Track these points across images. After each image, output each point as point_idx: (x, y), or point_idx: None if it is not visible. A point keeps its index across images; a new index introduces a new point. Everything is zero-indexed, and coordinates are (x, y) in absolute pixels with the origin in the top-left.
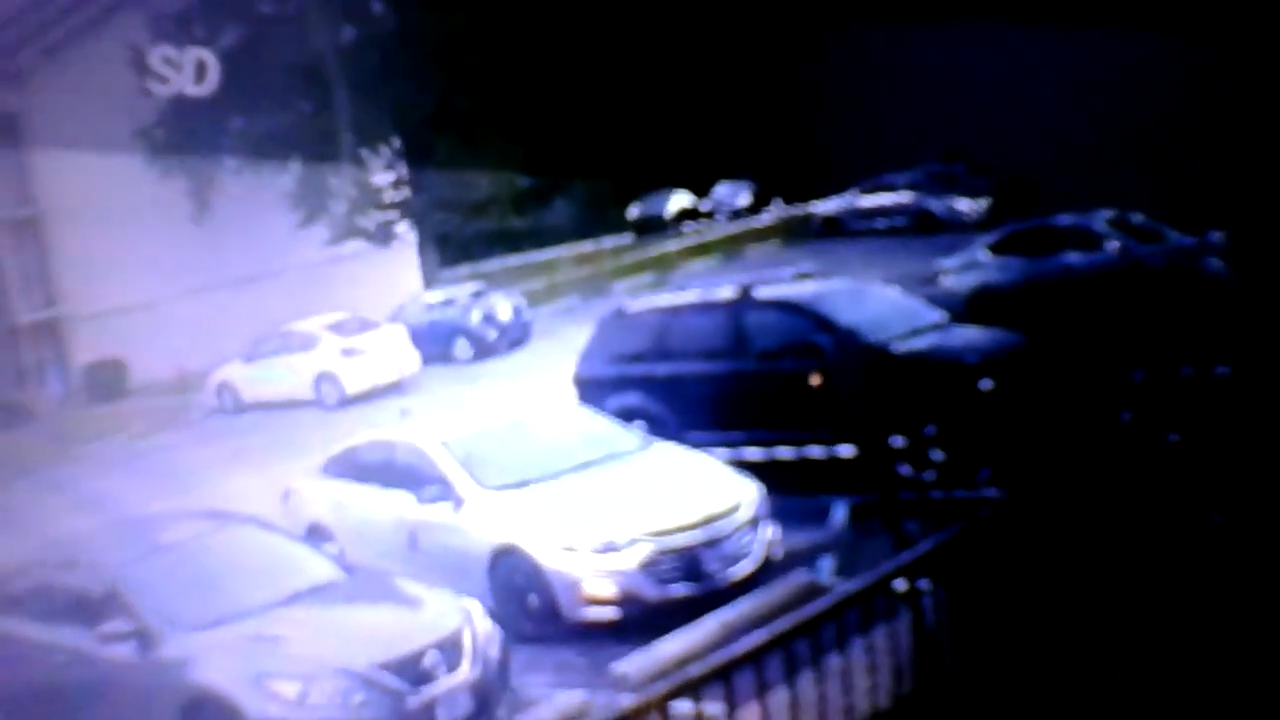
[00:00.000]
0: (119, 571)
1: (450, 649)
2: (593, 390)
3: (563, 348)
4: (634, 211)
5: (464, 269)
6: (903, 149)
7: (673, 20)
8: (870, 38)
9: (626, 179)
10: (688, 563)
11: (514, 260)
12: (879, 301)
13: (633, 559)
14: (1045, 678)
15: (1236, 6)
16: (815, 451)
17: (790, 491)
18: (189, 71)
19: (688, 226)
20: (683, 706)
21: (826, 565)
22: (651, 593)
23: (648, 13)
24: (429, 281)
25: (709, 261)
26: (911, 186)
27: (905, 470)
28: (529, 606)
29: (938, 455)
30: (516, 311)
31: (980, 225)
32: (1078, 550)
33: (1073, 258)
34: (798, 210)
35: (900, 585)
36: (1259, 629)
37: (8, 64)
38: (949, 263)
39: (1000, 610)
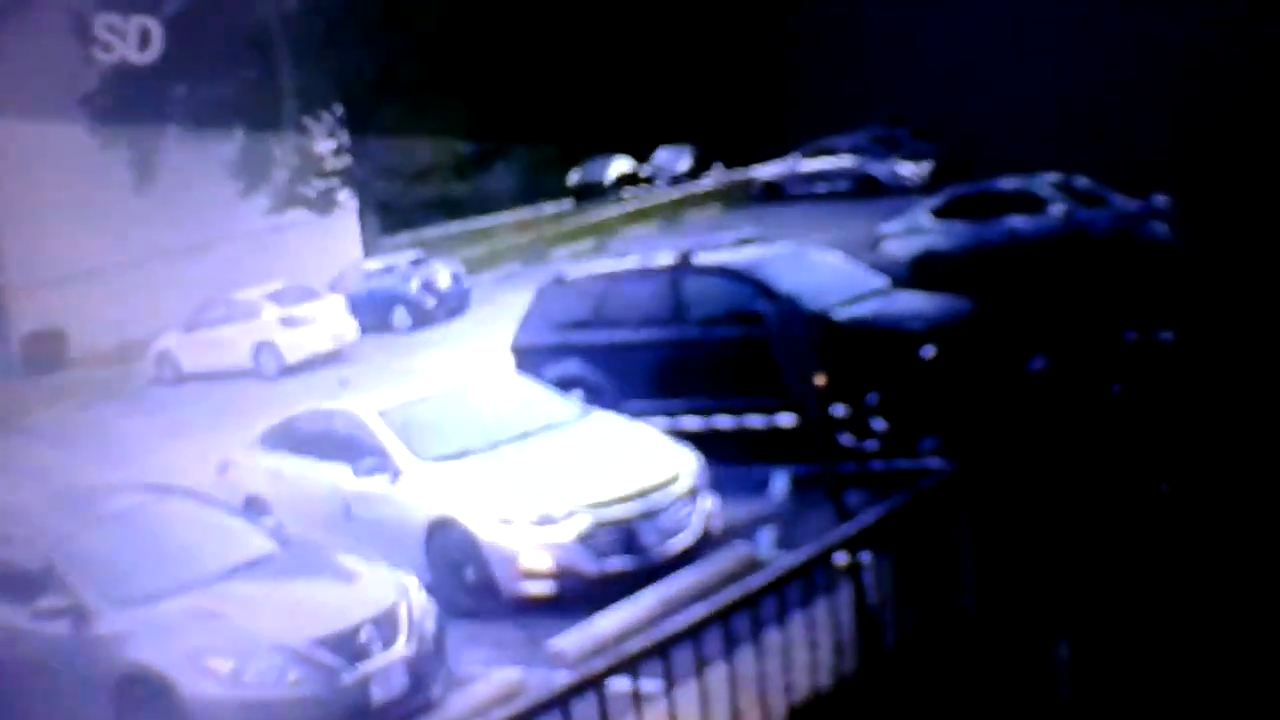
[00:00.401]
0: (54, 546)
1: (386, 625)
2: (531, 358)
3: (502, 315)
4: (574, 178)
5: (404, 236)
6: (845, 112)
7: None
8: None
9: (567, 144)
10: (625, 535)
11: (454, 227)
12: (820, 267)
13: (570, 531)
14: (989, 651)
15: None
16: (755, 421)
17: (730, 461)
18: (133, 39)
19: (628, 192)
20: (619, 684)
21: (766, 537)
22: (589, 566)
23: None
24: (369, 249)
25: (649, 227)
26: (854, 150)
27: (847, 440)
28: (466, 580)
29: (879, 424)
30: (455, 279)
31: (923, 189)
32: (1023, 520)
33: (1017, 222)
34: (739, 175)
35: (841, 558)
36: (1205, 599)
37: None
38: (891, 227)
39: (943, 583)
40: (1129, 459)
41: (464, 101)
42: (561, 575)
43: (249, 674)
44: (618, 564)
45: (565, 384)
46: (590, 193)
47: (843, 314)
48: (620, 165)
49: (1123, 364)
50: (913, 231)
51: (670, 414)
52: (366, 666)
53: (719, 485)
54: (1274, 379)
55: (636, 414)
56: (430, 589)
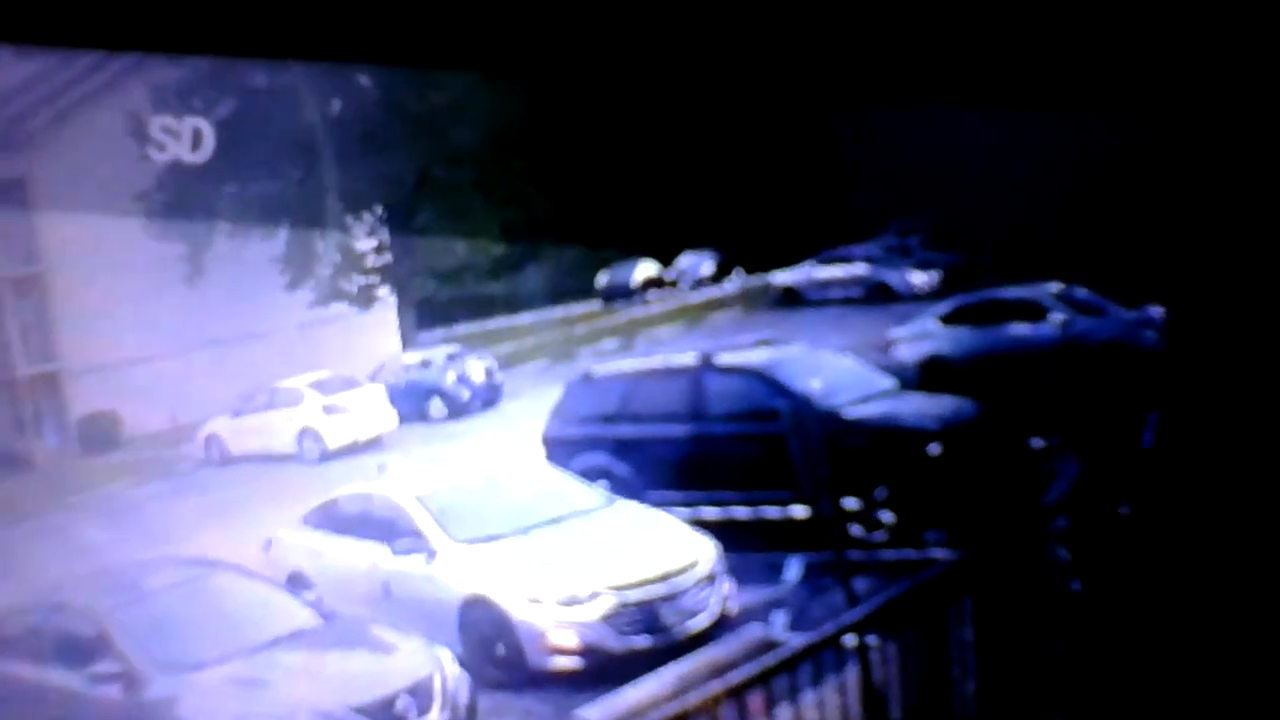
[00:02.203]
0: (108, 615)
1: (421, 694)
2: (559, 450)
3: (532, 409)
4: (602, 280)
5: (440, 332)
6: (860, 223)
7: (642, 103)
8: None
9: (596, 248)
10: (647, 615)
11: (487, 324)
12: (833, 368)
13: (595, 611)
14: None
15: (1179, 95)
16: (770, 511)
17: (746, 549)
18: (186, 140)
19: (653, 294)
20: None
21: (779, 620)
22: (612, 643)
23: (618, 97)
24: (407, 343)
25: (673, 328)
26: (867, 259)
27: (856, 530)
28: (496, 655)
29: (887, 516)
30: (489, 373)
31: (933, 296)
32: (1021, 605)
33: (1019, 329)
34: (758, 280)
35: (850, 640)
36: (1191, 686)
37: (17, 132)
38: (900, 332)
39: (946, 662)
40: (1119, 550)
41: (497, 205)
42: (586, 651)
43: None
44: (640, 642)
45: (591, 474)
46: (617, 294)
47: (853, 412)
48: (646, 269)
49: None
50: (921, 336)
51: (690, 504)
52: None
53: (736, 571)
54: (1255, 472)
55: (658, 504)
56: (463, 662)
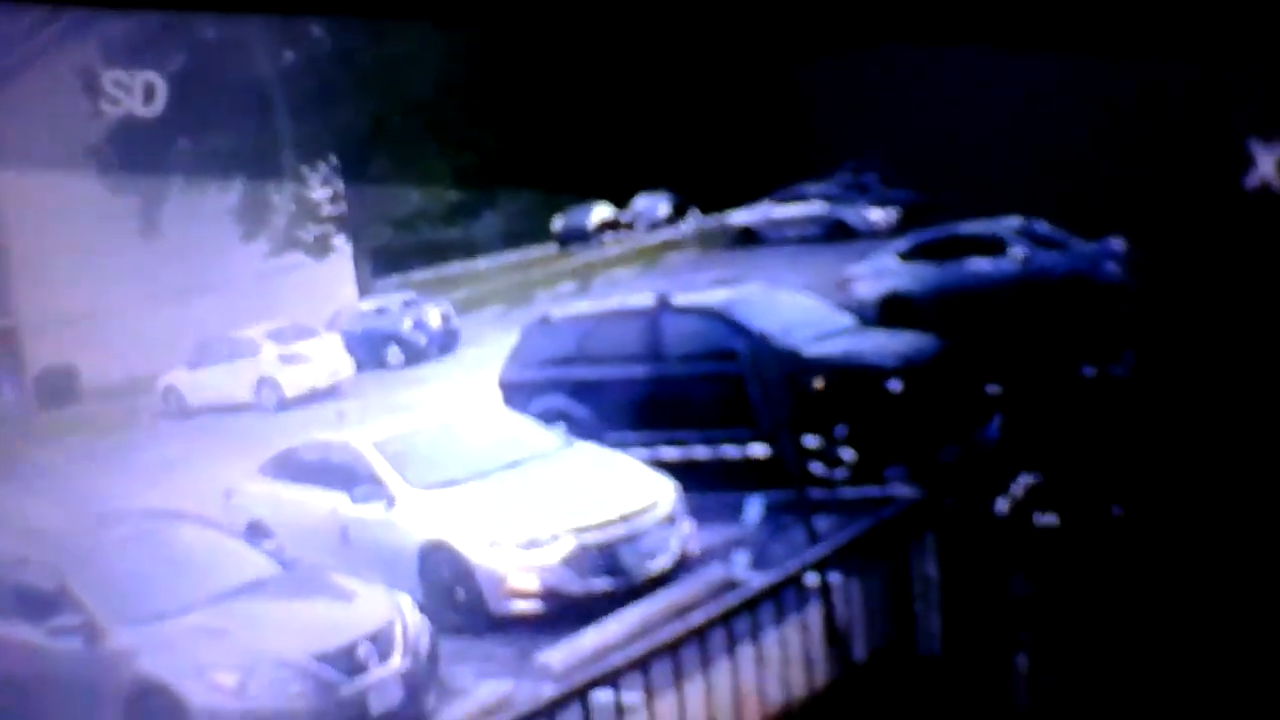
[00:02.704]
0: (68, 568)
1: (382, 641)
2: (517, 393)
3: (489, 353)
4: (558, 223)
5: (396, 279)
6: (816, 160)
7: (595, 45)
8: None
9: (551, 191)
10: (608, 558)
11: (444, 270)
12: (791, 307)
13: (555, 554)
14: (952, 663)
15: (1141, 27)
16: (730, 451)
17: (706, 489)
18: (138, 93)
19: (609, 237)
20: (603, 695)
21: (741, 559)
22: (573, 586)
23: (574, 40)
24: (363, 291)
25: (630, 270)
26: (824, 196)
27: (817, 468)
28: (457, 600)
29: (848, 454)
30: (445, 319)
31: (892, 233)
32: (985, 541)
33: (979, 263)
34: (715, 220)
35: (812, 579)
36: (1158, 617)
37: None
38: (859, 269)
39: (908, 601)
40: (1085, 485)
41: (451, 151)
42: (547, 595)
43: (253, 687)
44: (600, 584)
45: (549, 417)
46: (573, 237)
47: (813, 350)
48: (601, 211)
49: (1080, 398)
50: (880, 274)
51: (649, 445)
52: (364, 680)
53: (696, 511)
54: (1219, 408)
55: (617, 445)
56: (423, 607)
